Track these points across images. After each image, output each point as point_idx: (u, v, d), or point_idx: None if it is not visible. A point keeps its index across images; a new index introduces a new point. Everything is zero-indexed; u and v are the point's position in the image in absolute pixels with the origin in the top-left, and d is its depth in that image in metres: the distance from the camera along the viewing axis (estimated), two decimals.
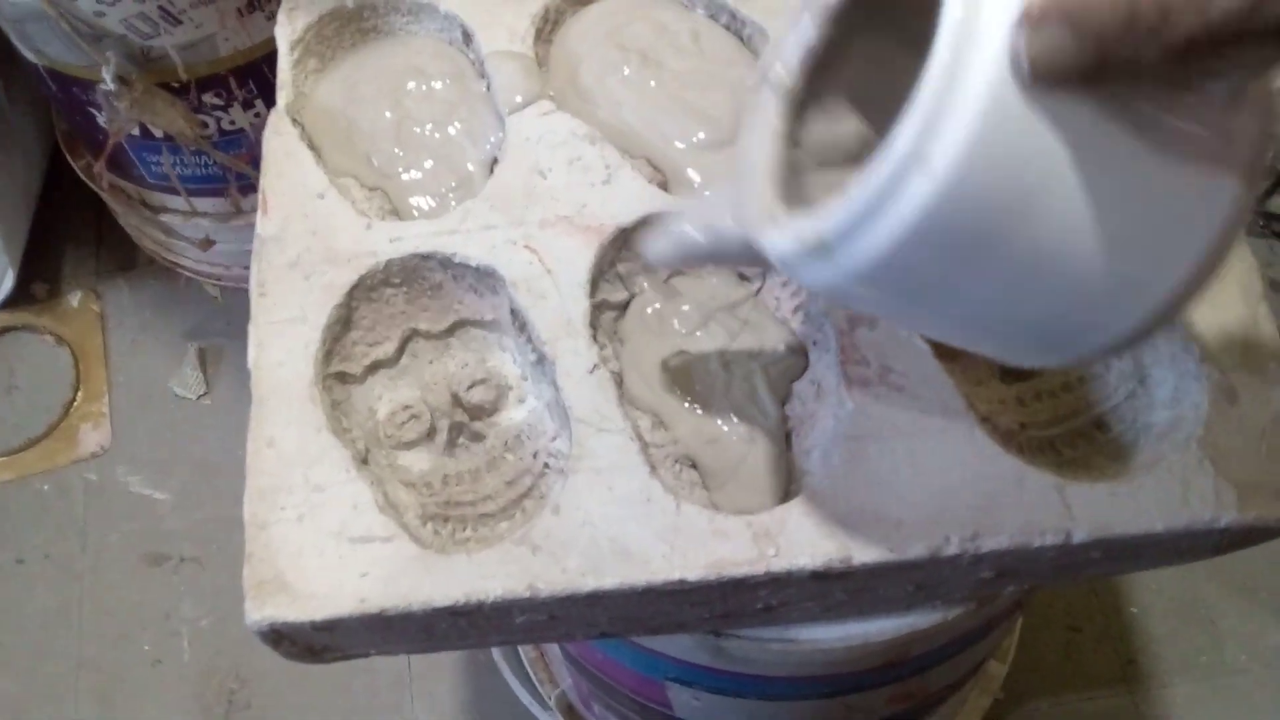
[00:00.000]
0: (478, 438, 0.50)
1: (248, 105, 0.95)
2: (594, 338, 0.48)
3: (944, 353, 0.48)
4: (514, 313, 0.49)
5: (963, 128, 0.25)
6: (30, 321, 1.05)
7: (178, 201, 1.02)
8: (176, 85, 0.94)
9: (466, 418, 0.50)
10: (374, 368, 0.51)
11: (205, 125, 0.95)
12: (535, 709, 0.87)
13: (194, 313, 1.05)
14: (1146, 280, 0.29)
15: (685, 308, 0.51)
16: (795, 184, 0.35)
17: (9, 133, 1.01)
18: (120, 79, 0.88)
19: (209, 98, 0.96)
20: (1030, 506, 0.43)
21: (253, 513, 0.45)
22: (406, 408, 0.50)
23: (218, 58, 0.93)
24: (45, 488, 0.98)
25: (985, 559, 0.43)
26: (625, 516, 0.44)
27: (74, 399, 1.03)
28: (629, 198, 0.50)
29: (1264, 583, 0.95)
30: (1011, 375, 0.49)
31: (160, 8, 0.86)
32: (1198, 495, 0.42)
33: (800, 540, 0.43)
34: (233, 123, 0.97)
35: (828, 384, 0.47)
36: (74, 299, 1.07)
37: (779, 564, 0.42)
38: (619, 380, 0.49)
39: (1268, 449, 0.43)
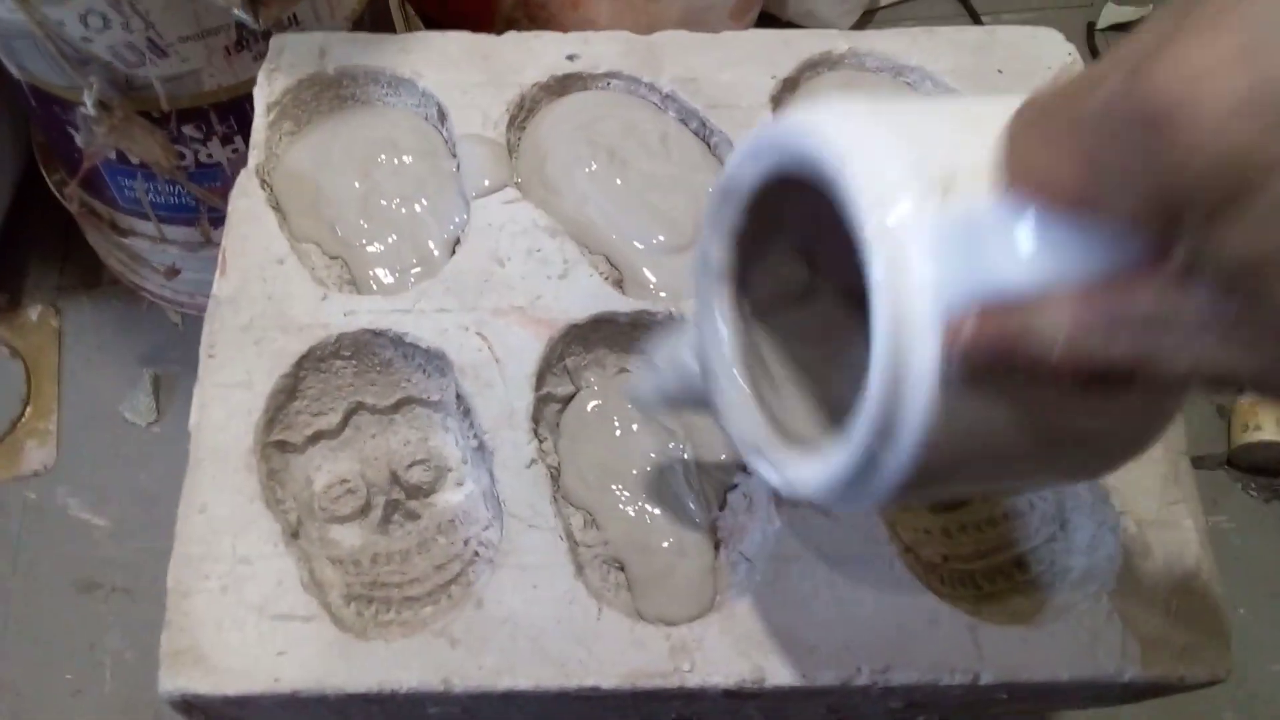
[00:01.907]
0: (412, 517, 0.51)
1: (226, 140, 0.95)
2: (535, 431, 0.49)
3: None
4: (459, 398, 0.50)
5: (914, 418, 0.27)
6: None
7: (148, 227, 1.02)
8: (157, 115, 0.94)
9: (403, 496, 0.51)
10: (316, 438, 0.51)
11: (182, 156, 0.95)
12: None
13: (153, 338, 1.04)
14: (1096, 467, 0.32)
15: (629, 407, 0.52)
16: (763, 373, 0.37)
17: None
18: (101, 104, 0.89)
19: (189, 129, 0.96)
20: (943, 644, 0.43)
21: (177, 579, 0.45)
22: (343, 481, 0.50)
23: (201, 91, 0.94)
24: None
25: (895, 691, 0.43)
26: (547, 617, 0.44)
27: (22, 414, 1.02)
28: (583, 294, 0.51)
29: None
30: (940, 506, 0.50)
31: (149, 39, 0.87)
32: (1104, 648, 0.43)
33: (716, 657, 0.43)
34: (210, 156, 0.97)
35: (759, 499, 0.48)
36: (33, 312, 1.06)
37: (693, 680, 0.43)
38: (556, 475, 0.49)
39: (1175, 607, 0.44)
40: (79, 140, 0.93)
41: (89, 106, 0.88)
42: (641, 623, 0.44)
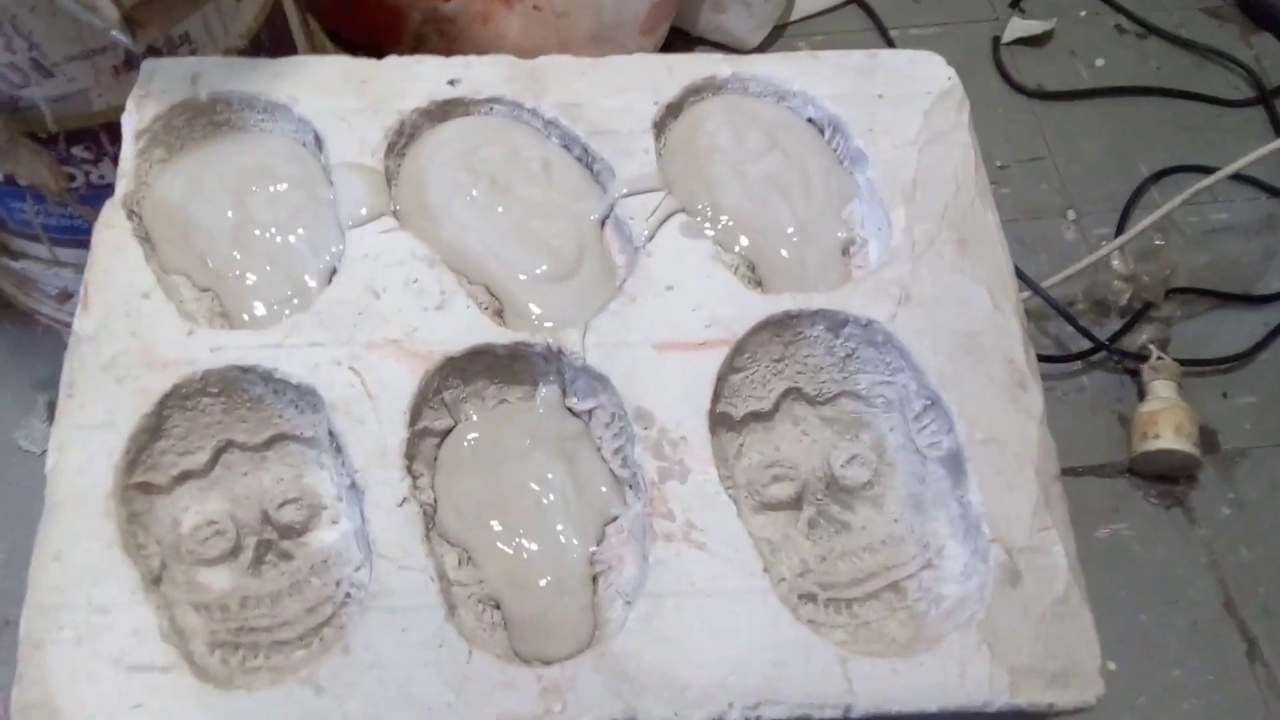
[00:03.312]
0: (286, 557, 0.50)
1: (119, 161, 0.92)
2: (409, 468, 0.48)
3: (757, 506, 0.49)
4: (331, 434, 0.49)
5: None
6: None
7: (40, 249, 0.99)
8: (44, 136, 0.92)
9: (276, 535, 0.50)
10: (183, 478, 0.50)
11: (72, 178, 0.93)
12: None
13: (48, 362, 1.01)
14: None
15: (510, 437, 0.51)
16: None
17: None
18: None
19: (78, 150, 0.93)
20: (814, 678, 0.43)
21: (29, 630, 0.43)
22: (211, 523, 0.49)
23: (90, 111, 0.91)
24: None
25: None
26: (415, 661, 0.43)
27: None
28: (461, 326, 0.50)
29: None
30: (817, 533, 0.50)
31: (32, 59, 0.84)
32: (973, 678, 0.43)
33: (588, 697, 0.43)
34: (102, 177, 0.95)
35: (636, 532, 0.47)
36: None
37: None
38: (432, 510, 0.49)
39: (1044, 635, 0.44)
40: None
41: None
42: (513, 664, 0.43)
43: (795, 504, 0.51)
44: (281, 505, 0.49)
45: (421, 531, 0.46)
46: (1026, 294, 0.94)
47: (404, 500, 0.46)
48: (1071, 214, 1.11)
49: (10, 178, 0.90)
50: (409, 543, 0.45)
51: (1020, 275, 0.64)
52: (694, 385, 0.49)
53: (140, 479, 0.48)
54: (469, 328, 0.50)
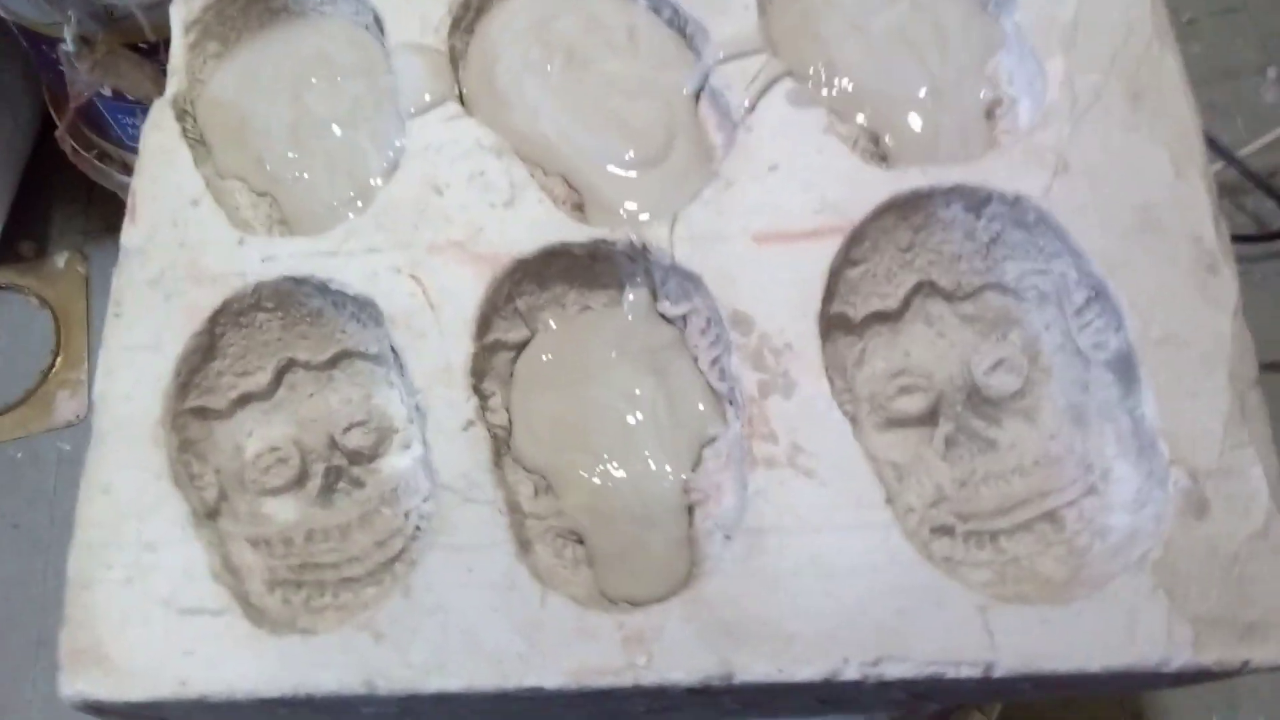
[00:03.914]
0: (357, 484, 0.45)
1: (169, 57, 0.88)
2: (477, 386, 0.42)
3: (883, 422, 0.42)
4: (394, 351, 0.43)
5: None
6: (14, 281, 1.02)
7: None
8: (144, 46, 0.89)
9: (346, 462, 0.45)
10: (243, 401, 0.45)
11: None
12: None
13: None
14: None
15: (594, 349, 0.45)
16: None
17: None
18: (82, 39, 0.83)
19: None
20: (947, 631, 0.36)
21: (77, 569, 0.40)
22: (273, 450, 0.44)
23: None
24: (18, 455, 0.96)
25: (890, 685, 0.37)
26: (483, 605, 0.38)
27: (53, 365, 0.99)
28: (532, 224, 0.44)
29: None
30: (956, 453, 0.42)
31: None
32: (1146, 632, 0.35)
33: (676, 650, 0.37)
34: None
35: (736, 456, 0.41)
36: (60, 260, 1.03)
37: (648, 677, 0.37)
38: (506, 435, 0.43)
39: (1237, 577, 0.36)
40: (68, 79, 0.88)
41: (69, 42, 0.83)
42: (592, 610, 0.38)
43: (929, 419, 0.43)
44: (348, 429, 0.45)
45: (490, 458, 0.40)
46: (1218, 165, 0.82)
47: (470, 423, 0.41)
48: (1272, 72, 0.97)
49: (117, 92, 0.88)
50: (475, 472, 0.40)
51: (1211, 142, 0.53)
52: (802, 282, 0.41)
53: (195, 403, 0.44)
54: (541, 225, 0.44)
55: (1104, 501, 0.40)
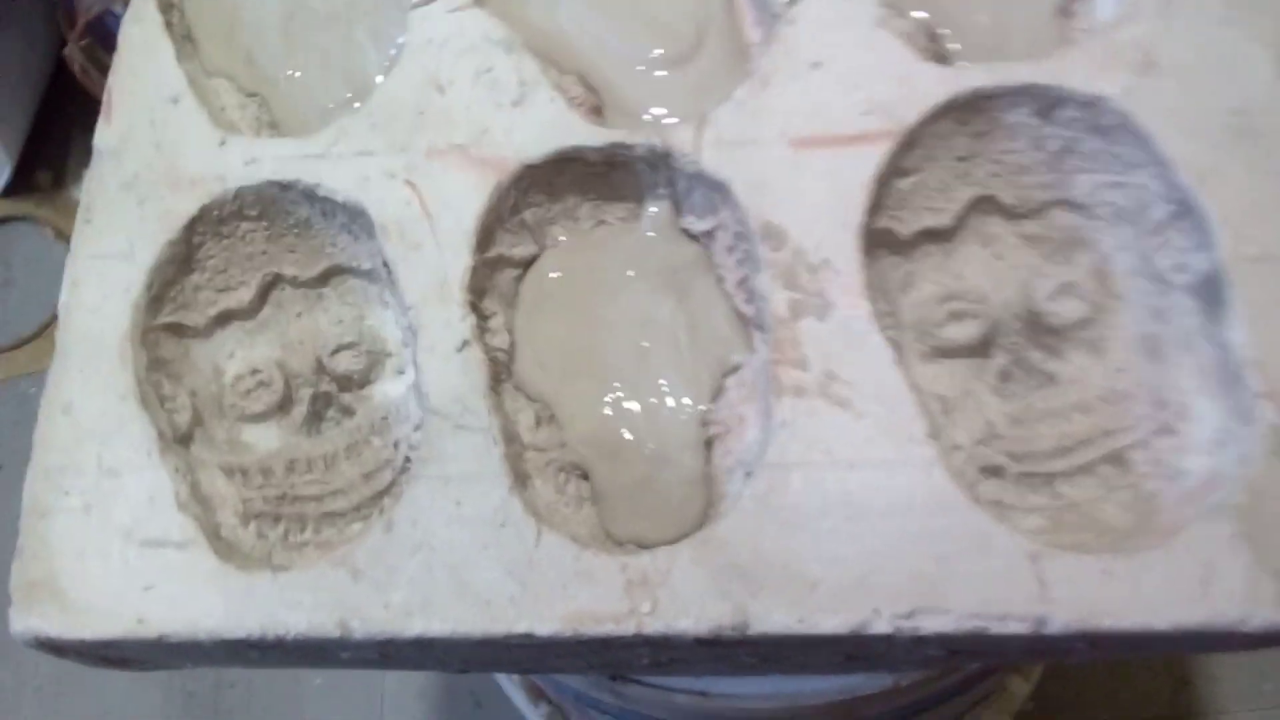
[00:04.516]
0: (347, 412, 0.41)
1: None
2: (475, 304, 0.38)
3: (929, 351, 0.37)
4: (386, 265, 0.39)
5: None
6: (31, 212, 1.00)
7: None
8: None
9: (335, 388, 0.41)
10: (224, 319, 0.42)
11: None
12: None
13: None
14: None
15: (609, 267, 0.40)
16: None
17: (11, 11, 0.94)
18: None
19: None
20: (992, 580, 0.32)
21: (33, 496, 0.37)
22: (255, 372, 0.41)
23: None
24: (32, 390, 0.94)
25: (927, 641, 0.32)
26: (472, 542, 0.34)
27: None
28: (542, 126, 0.39)
29: None
30: (1011, 387, 0.38)
31: None
32: (1223, 585, 0.31)
33: (685, 595, 0.33)
34: None
35: (761, 385, 0.36)
36: (77, 190, 1.01)
37: (653, 625, 0.32)
38: (509, 359, 0.39)
39: None
40: None
41: None
42: (591, 551, 0.34)
43: (982, 350, 0.38)
44: (336, 352, 0.41)
45: (485, 382, 0.36)
46: None
47: (465, 344, 0.37)
48: None
49: None
50: (469, 396, 0.36)
51: None
52: (843, 192, 0.37)
53: (169, 319, 0.40)
54: (552, 127, 0.39)
55: (1179, 441, 0.35)
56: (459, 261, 0.38)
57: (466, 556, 0.34)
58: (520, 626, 0.33)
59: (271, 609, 0.34)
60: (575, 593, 0.33)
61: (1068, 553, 0.32)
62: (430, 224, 0.38)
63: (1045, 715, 0.76)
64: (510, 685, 0.75)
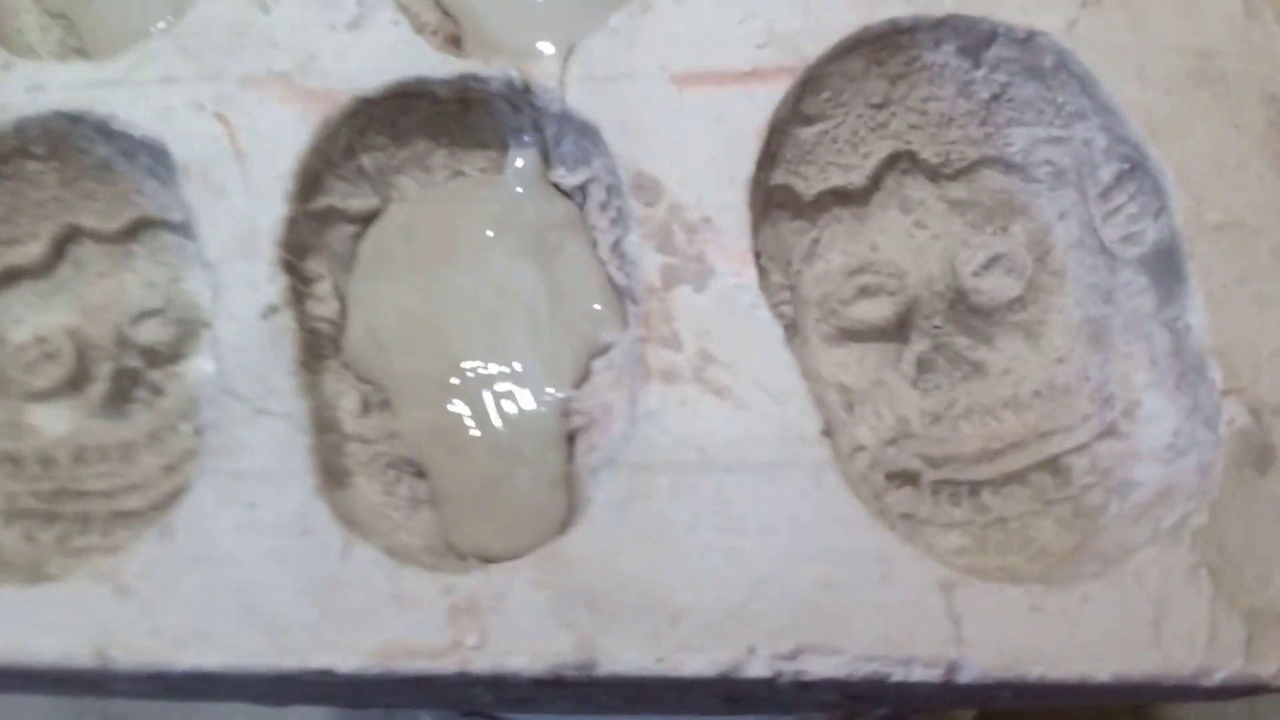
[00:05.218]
0: (157, 392, 0.35)
1: None
2: (293, 263, 0.32)
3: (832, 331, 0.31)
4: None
5: None
6: None
7: None
8: None
9: (141, 362, 0.35)
10: (10, 276, 0.35)
11: None
12: None
13: None
14: None
15: (464, 226, 0.34)
16: None
17: None
18: None
19: None
20: (895, 614, 0.26)
21: None
22: (39, 341, 0.34)
23: None
24: None
25: (817, 686, 0.26)
26: (265, 555, 0.28)
27: None
28: (382, 53, 0.33)
29: None
30: (931, 379, 0.32)
31: None
32: (1179, 628, 0.25)
33: (521, 625, 0.26)
34: None
35: (631, 366, 0.30)
36: None
37: (479, 662, 0.26)
38: (334, 330, 0.32)
39: None
40: None
41: None
42: (409, 569, 0.27)
43: (897, 333, 0.32)
44: (139, 319, 0.34)
45: (295, 358, 0.30)
46: None
47: (271, 309, 0.30)
48: None
49: None
50: (273, 375, 0.30)
51: None
52: (731, 138, 0.31)
53: None
54: (394, 54, 0.33)
55: (1127, 446, 0.29)
56: (271, 210, 0.31)
57: (257, 573, 0.28)
58: (316, 661, 0.27)
59: (17, 631, 0.28)
60: (387, 620, 0.27)
61: (988, 582, 0.26)
62: (240, 164, 0.32)
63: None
64: None
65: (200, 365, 0.34)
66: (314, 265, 0.33)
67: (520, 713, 0.34)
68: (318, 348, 0.31)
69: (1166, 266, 0.29)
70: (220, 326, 0.30)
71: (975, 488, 0.30)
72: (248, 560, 0.28)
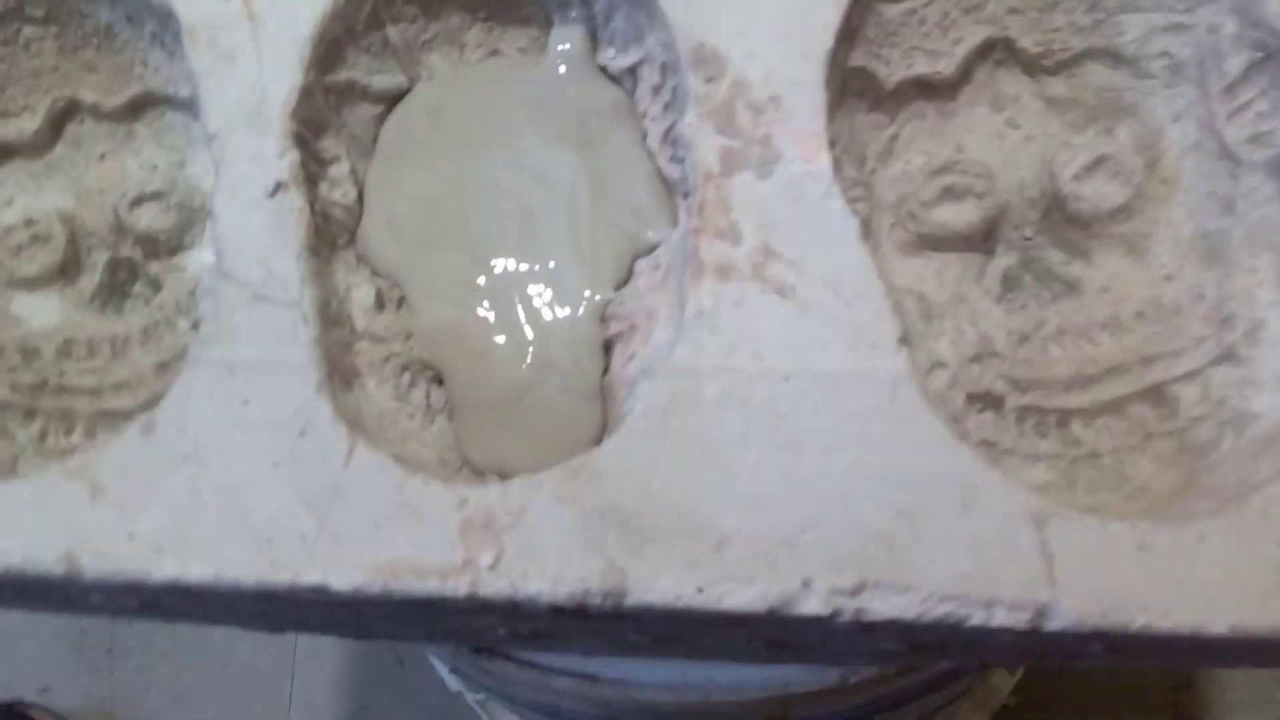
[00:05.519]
0: (154, 286, 0.32)
1: None
2: (307, 139, 0.28)
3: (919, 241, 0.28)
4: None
5: None
6: None
7: None
8: None
9: (139, 253, 0.31)
10: (2, 154, 0.32)
11: None
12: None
13: None
14: None
15: (499, 110, 0.31)
16: None
17: None
18: None
19: None
20: (978, 549, 0.22)
21: None
22: (29, 223, 0.31)
23: None
24: None
25: (880, 630, 0.23)
26: (259, 456, 0.25)
27: None
28: None
29: None
30: (1018, 297, 0.28)
31: None
32: None
33: (542, 545, 0.23)
34: None
35: (677, 267, 0.27)
36: None
37: (493, 585, 0.23)
38: (350, 218, 0.29)
39: None
40: None
41: None
42: (419, 477, 0.24)
43: (983, 243, 0.29)
44: (137, 202, 0.31)
45: (304, 242, 0.27)
46: None
47: (278, 186, 0.27)
48: None
49: None
50: (276, 257, 0.26)
51: None
52: (805, 8, 0.27)
53: None
54: None
55: (1247, 372, 0.25)
56: (285, 79, 0.28)
57: (248, 476, 0.24)
58: (309, 577, 0.23)
59: None
60: (392, 534, 0.24)
61: (1087, 516, 0.22)
62: (252, 28, 0.28)
63: (1029, 712, 0.67)
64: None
65: (203, 258, 0.31)
66: (330, 145, 0.29)
67: (536, 650, 0.31)
68: (330, 235, 0.28)
69: None
70: (220, 204, 0.27)
71: (1065, 417, 0.26)
72: (238, 462, 0.25)
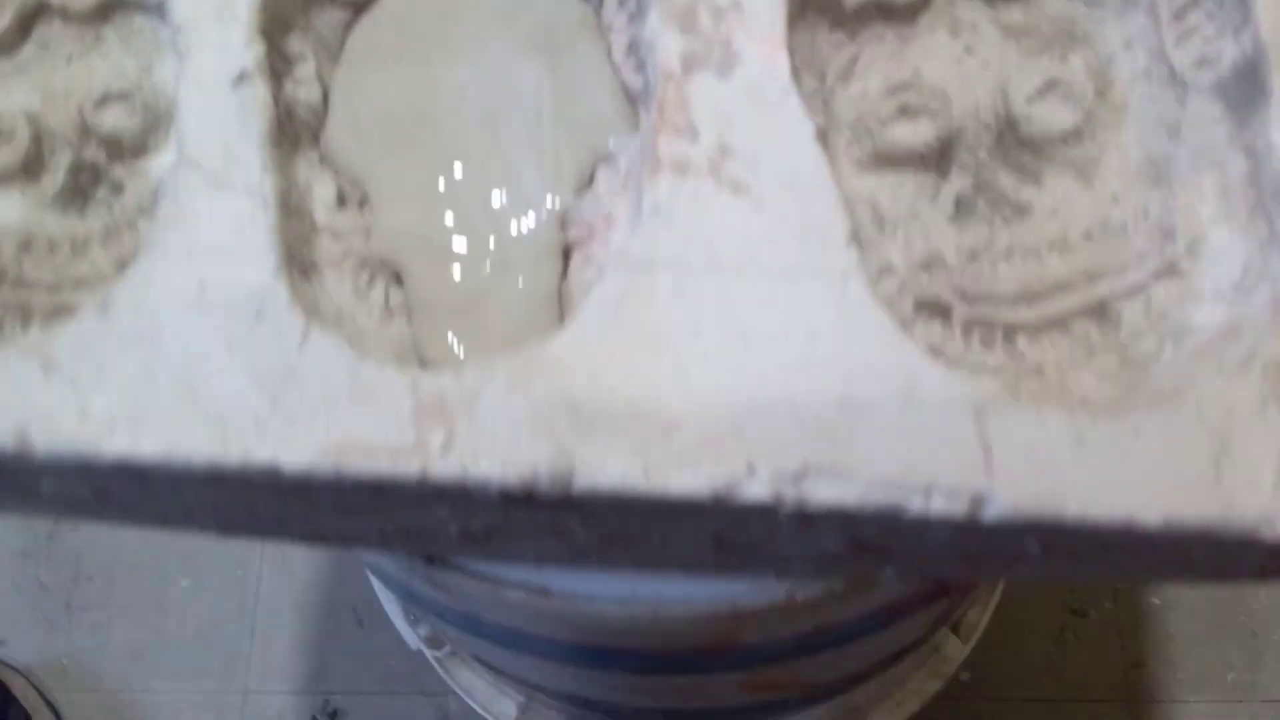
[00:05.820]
0: (116, 190, 0.32)
1: None
2: (274, 36, 0.28)
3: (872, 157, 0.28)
4: None
5: None
6: None
7: None
8: None
9: (103, 155, 0.31)
10: None
11: None
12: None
13: None
14: None
15: (467, 16, 0.31)
16: None
17: None
18: None
19: None
20: (918, 437, 0.23)
21: None
22: None
23: None
24: None
25: (819, 520, 0.23)
26: (213, 338, 0.25)
27: None
28: None
29: None
30: (970, 220, 0.28)
31: None
32: (1243, 469, 0.22)
33: (493, 429, 0.23)
34: None
35: (635, 169, 0.27)
36: None
37: (444, 466, 0.23)
38: (315, 118, 0.29)
39: None
40: None
41: None
42: (372, 361, 0.24)
43: (936, 163, 0.29)
44: (102, 102, 0.31)
45: (264, 132, 0.27)
46: None
47: (244, 76, 0.27)
48: None
49: None
50: (238, 144, 0.26)
51: None
52: None
53: None
54: None
55: (1187, 286, 0.26)
56: None
57: (203, 356, 0.25)
58: (261, 454, 0.24)
59: None
60: (344, 415, 0.24)
61: (1027, 408, 0.23)
62: None
63: (982, 687, 0.68)
64: (389, 604, 0.66)
65: (166, 162, 0.31)
66: (296, 44, 0.29)
67: (489, 553, 0.31)
68: (293, 132, 0.28)
69: (1245, 87, 0.26)
70: (184, 91, 0.27)
71: (1010, 331, 0.27)
72: (193, 342, 0.25)
